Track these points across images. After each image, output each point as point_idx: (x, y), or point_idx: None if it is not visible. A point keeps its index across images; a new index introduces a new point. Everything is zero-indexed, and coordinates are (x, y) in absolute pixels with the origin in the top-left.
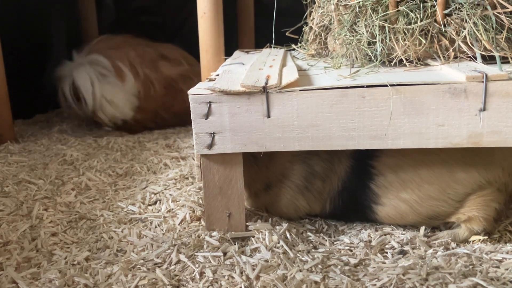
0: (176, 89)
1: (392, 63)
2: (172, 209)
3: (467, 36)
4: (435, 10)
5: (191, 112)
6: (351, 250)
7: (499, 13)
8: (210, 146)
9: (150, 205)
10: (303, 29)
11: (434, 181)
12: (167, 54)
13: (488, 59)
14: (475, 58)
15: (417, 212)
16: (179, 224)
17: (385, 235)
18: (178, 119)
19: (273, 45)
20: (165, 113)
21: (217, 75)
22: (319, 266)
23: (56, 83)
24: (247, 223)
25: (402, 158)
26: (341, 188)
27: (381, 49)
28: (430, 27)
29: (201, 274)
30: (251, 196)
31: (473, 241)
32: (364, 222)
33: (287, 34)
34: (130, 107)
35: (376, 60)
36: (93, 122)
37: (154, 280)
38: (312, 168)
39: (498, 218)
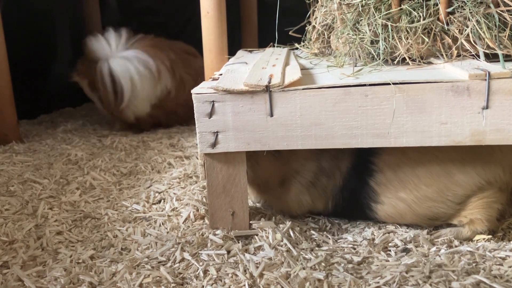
0: (198, 82)
1: (395, 62)
2: (176, 207)
3: (470, 34)
4: (438, 9)
5: (194, 111)
6: (355, 248)
7: (502, 11)
8: (214, 145)
9: (154, 204)
10: (306, 28)
11: (431, 182)
12: (186, 49)
13: (491, 57)
14: (478, 56)
15: (415, 213)
16: (183, 223)
17: (389, 233)
18: (191, 114)
19: (276, 44)
20: (180, 110)
21: (220, 74)
22: (323, 264)
23: (90, 58)
24: (250, 222)
25: (402, 158)
26: (342, 184)
27: (384, 48)
28: (433, 25)
29: (205, 272)
30: (266, 191)
31: (477, 240)
32: (366, 220)
33: (290, 33)
34: (146, 109)
35: (379, 59)
36: (111, 118)
37: (158, 278)
38: (321, 165)
39: (502, 217)
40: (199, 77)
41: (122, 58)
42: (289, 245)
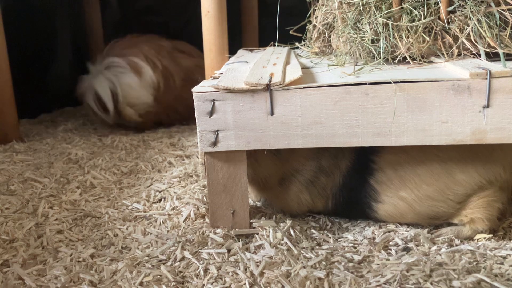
0: (193, 80)
1: (396, 61)
2: (177, 206)
3: (471, 33)
4: (439, 7)
5: (195, 110)
6: (355, 247)
7: (503, 10)
8: (214, 143)
9: (154, 202)
10: (307, 27)
11: (432, 182)
12: (181, 47)
13: (492, 56)
14: (479, 55)
15: (416, 212)
16: (183, 222)
17: (389, 232)
18: (192, 111)
19: (276, 44)
20: (180, 106)
21: (221, 73)
22: (323, 263)
23: (81, 99)
24: (251, 220)
25: (403, 156)
26: (342, 183)
27: (385, 47)
28: (434, 24)
29: (206, 270)
30: (266, 189)
31: (477, 239)
32: (366, 219)
33: (290, 32)
34: (149, 100)
35: (380, 58)
36: (120, 125)
37: (159, 276)
38: (320, 163)
39: (502, 216)
40: (190, 77)
41: (98, 72)
42: (289, 244)
